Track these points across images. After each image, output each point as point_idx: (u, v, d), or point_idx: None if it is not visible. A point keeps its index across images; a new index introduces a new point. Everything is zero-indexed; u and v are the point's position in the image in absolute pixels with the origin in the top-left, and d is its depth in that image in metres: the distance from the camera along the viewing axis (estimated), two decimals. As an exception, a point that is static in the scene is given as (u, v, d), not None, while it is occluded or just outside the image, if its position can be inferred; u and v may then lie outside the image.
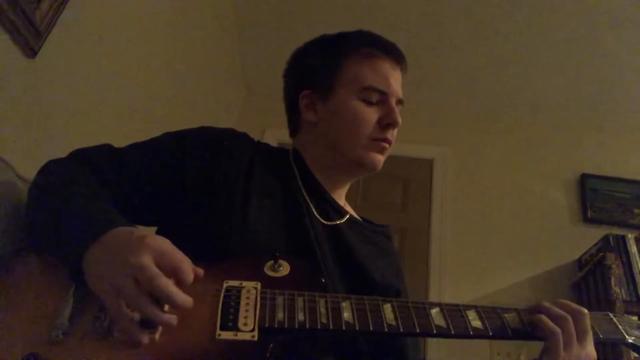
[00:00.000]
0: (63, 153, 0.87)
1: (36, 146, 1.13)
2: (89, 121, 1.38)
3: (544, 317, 0.73)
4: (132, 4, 1.58)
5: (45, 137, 1.17)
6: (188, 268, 0.63)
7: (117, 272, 0.60)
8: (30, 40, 1.05)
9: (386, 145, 0.94)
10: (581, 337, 0.72)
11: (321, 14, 2.58)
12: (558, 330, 0.71)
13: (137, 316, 0.60)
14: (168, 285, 0.59)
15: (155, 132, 0.94)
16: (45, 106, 1.17)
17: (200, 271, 0.66)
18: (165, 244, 0.63)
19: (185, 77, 2.17)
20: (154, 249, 0.61)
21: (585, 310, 0.74)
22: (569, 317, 0.72)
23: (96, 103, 1.42)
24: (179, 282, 0.62)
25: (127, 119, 1.62)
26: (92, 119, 1.40)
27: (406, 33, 2.59)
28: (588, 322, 0.74)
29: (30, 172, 0.87)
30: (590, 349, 0.73)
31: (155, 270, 0.59)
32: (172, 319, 0.61)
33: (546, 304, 0.75)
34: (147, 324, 0.61)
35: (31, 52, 1.07)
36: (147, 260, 0.60)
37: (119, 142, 0.91)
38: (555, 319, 0.73)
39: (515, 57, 2.71)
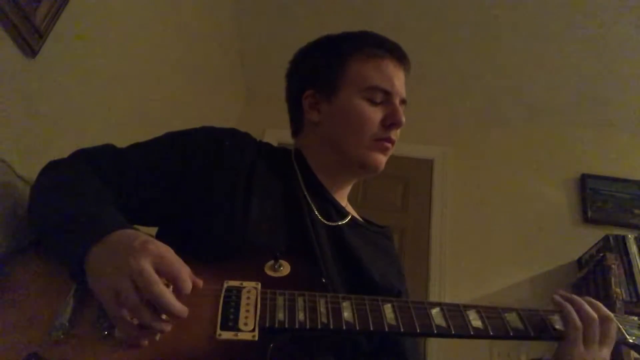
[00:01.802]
0: (63, 153, 0.87)
1: (36, 146, 1.13)
2: (89, 121, 1.38)
3: (572, 310, 0.74)
4: (132, 5, 1.58)
5: (45, 137, 1.17)
6: (186, 277, 0.63)
7: (117, 274, 0.60)
8: (30, 40, 1.05)
9: (389, 145, 0.95)
10: (602, 341, 0.73)
11: (322, 14, 2.58)
12: (580, 324, 0.72)
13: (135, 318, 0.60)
14: (165, 292, 0.59)
15: (156, 132, 0.94)
16: (45, 106, 1.17)
17: (200, 282, 0.66)
18: (167, 252, 0.64)
19: (186, 78, 2.17)
20: (154, 255, 0.61)
21: (612, 316, 0.75)
22: (597, 318, 0.74)
23: (96, 103, 1.42)
24: (177, 291, 0.62)
25: (127, 119, 1.62)
26: (92, 119, 1.40)
27: (407, 33, 2.58)
28: (612, 329, 0.75)
29: (30, 172, 0.87)
30: (606, 353, 0.74)
31: (153, 276, 0.59)
32: (166, 326, 0.61)
33: (579, 298, 0.76)
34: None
35: (31, 52, 1.06)
36: (147, 265, 0.60)
37: (120, 142, 0.91)
38: (582, 313, 0.74)
39: (515, 57, 2.71)
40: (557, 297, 0.78)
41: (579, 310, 0.74)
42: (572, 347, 0.72)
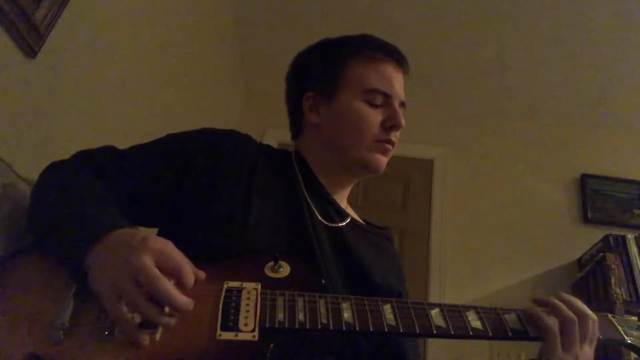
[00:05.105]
0: (63, 154, 0.87)
1: (36, 146, 1.13)
2: (89, 122, 1.38)
3: (542, 314, 0.73)
4: (132, 5, 1.59)
5: (45, 137, 1.17)
6: (189, 270, 0.64)
7: (118, 272, 0.60)
8: (30, 40, 1.05)
9: (389, 147, 0.95)
10: (583, 340, 0.72)
11: (322, 15, 2.58)
12: (555, 328, 0.71)
13: (136, 317, 0.61)
14: (169, 287, 0.60)
15: (156, 132, 0.94)
16: (46, 107, 1.17)
17: (202, 274, 0.67)
18: (167, 246, 0.64)
19: (186, 78, 2.17)
20: (155, 250, 0.62)
21: (594, 317, 0.74)
22: (576, 319, 0.72)
23: (97, 104, 1.42)
24: (180, 285, 0.63)
25: (127, 120, 1.62)
26: (92, 120, 1.40)
27: (407, 34, 2.59)
28: (591, 327, 0.73)
29: (30, 172, 0.88)
30: (589, 351, 0.73)
31: (156, 271, 0.60)
32: (171, 320, 0.62)
33: (556, 301, 0.75)
34: (147, 325, 0.61)
35: (31, 52, 1.07)
36: (148, 262, 0.60)
37: (120, 143, 0.91)
38: (559, 314, 0.73)
39: (515, 58, 2.71)
40: (533, 304, 0.76)
41: (557, 312, 0.73)
42: (551, 349, 0.71)
